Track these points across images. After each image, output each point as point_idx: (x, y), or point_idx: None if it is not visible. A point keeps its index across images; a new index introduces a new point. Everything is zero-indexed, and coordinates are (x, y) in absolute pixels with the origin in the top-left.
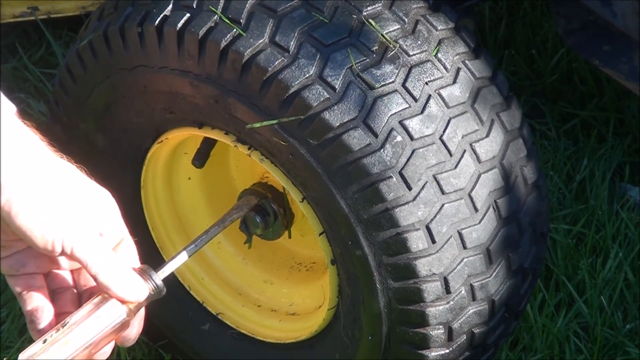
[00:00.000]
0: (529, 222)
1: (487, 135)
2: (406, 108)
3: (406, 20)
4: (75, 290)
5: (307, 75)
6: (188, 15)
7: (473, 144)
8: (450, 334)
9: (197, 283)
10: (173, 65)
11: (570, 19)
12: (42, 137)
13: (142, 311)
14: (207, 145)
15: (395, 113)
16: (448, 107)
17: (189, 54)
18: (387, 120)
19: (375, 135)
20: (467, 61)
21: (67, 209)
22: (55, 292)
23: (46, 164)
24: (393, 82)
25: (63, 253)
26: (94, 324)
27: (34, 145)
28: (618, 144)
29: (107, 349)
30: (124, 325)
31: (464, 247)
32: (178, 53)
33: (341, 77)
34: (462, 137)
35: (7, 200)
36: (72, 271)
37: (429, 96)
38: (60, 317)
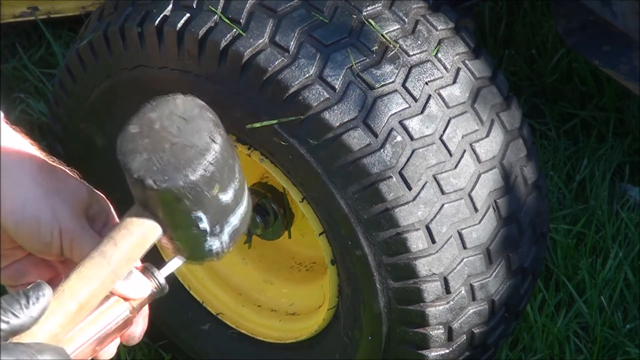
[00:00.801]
0: (529, 222)
1: (487, 135)
2: (406, 108)
3: (406, 20)
4: None
5: (307, 75)
6: (188, 15)
7: (473, 144)
8: (450, 334)
9: (197, 283)
10: (173, 65)
11: (570, 19)
12: (32, 141)
13: (146, 309)
14: None
15: (395, 113)
16: (448, 107)
17: (189, 54)
18: (387, 120)
19: (375, 135)
20: (467, 61)
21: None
22: None
23: (38, 168)
24: (393, 82)
25: (63, 254)
26: (98, 321)
27: (25, 150)
28: (618, 144)
29: (112, 348)
30: (127, 322)
31: (464, 247)
32: (178, 53)
33: (341, 77)
34: (462, 137)
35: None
36: None
37: (429, 96)
38: None
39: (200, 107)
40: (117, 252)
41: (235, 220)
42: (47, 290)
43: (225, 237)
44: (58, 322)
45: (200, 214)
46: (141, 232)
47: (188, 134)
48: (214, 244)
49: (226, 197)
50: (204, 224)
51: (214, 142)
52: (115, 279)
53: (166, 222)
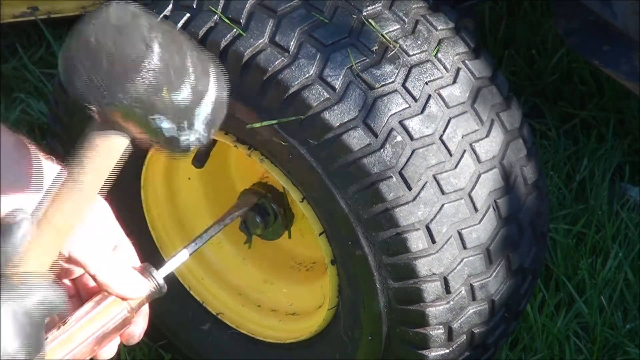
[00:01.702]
0: (529, 222)
1: (487, 135)
2: (406, 108)
3: (406, 20)
4: (79, 298)
5: (307, 75)
6: (188, 15)
7: (473, 144)
8: (450, 334)
9: (197, 283)
10: None
11: (570, 19)
12: (30, 142)
13: (146, 309)
14: (207, 145)
15: (395, 113)
16: (448, 107)
17: None
18: (387, 120)
19: (375, 135)
20: (467, 61)
21: None
22: None
23: (35, 166)
24: (393, 82)
25: (60, 256)
26: (96, 321)
27: (22, 147)
28: (618, 144)
29: (111, 348)
30: (126, 322)
31: (464, 247)
32: None
33: (341, 77)
34: (462, 137)
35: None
36: (72, 280)
37: (429, 96)
38: None
39: (133, 15)
40: (85, 172)
41: (205, 109)
42: (26, 219)
43: (199, 127)
44: (41, 251)
45: (158, 117)
46: (106, 146)
47: (123, 46)
48: (190, 137)
49: (181, 95)
50: (167, 124)
51: (149, 48)
52: (90, 198)
53: (132, 129)
